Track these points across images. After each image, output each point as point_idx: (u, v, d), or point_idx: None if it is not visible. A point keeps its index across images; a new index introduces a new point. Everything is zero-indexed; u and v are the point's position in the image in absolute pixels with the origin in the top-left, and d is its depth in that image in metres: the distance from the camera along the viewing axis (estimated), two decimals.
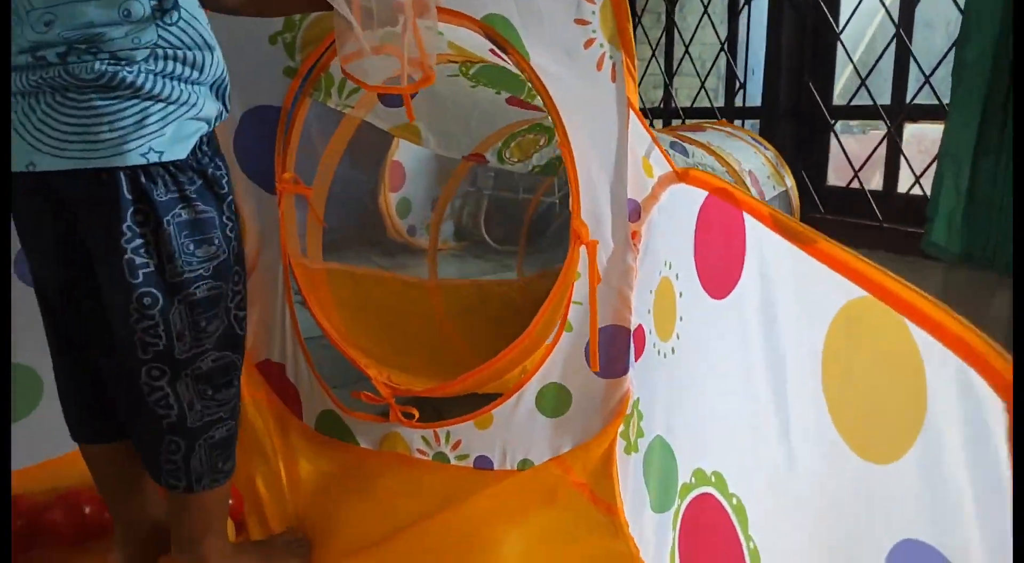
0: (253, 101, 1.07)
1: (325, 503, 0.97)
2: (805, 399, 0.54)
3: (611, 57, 0.79)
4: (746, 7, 2.46)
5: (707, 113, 2.75)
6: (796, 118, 2.19)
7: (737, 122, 2.58)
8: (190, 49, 0.65)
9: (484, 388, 1.06)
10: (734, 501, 0.66)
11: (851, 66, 2.10)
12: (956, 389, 0.41)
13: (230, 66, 0.71)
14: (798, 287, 0.57)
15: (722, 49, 2.61)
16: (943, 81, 1.61)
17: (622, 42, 0.78)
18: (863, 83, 2.01)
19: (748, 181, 1.64)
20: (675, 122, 2.93)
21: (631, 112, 0.80)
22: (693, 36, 2.78)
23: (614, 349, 0.90)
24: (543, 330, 0.94)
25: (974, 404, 0.40)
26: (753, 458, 0.63)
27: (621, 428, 0.90)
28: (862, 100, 2.05)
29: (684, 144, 1.64)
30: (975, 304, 1.63)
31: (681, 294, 0.75)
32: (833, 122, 2.10)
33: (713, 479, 0.70)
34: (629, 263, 0.86)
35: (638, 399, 0.87)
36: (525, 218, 2.09)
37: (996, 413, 0.39)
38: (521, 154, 1.78)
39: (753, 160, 1.77)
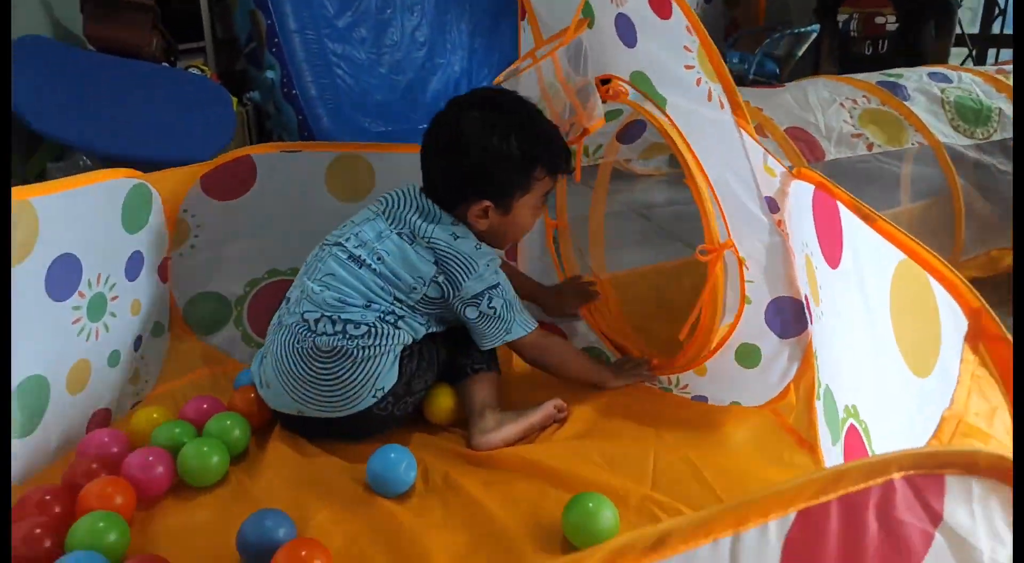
0: None
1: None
2: (886, 336, 0.74)
3: (715, 91, 0.98)
4: None
5: (958, 41, 2.60)
6: None
7: (991, 53, 2.42)
8: None
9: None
10: (863, 426, 0.84)
11: None
12: (951, 315, 0.63)
13: None
14: (871, 253, 0.77)
15: None
16: None
17: (720, 78, 0.96)
18: None
19: None
20: None
21: (743, 130, 0.98)
22: None
23: (788, 315, 1.10)
24: (715, 316, 1.15)
25: (958, 324, 0.61)
26: (871, 387, 0.83)
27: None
28: None
29: (947, 72, 1.69)
30: None
31: (817, 267, 0.94)
32: None
33: (853, 410, 0.88)
34: (783, 245, 1.05)
35: (816, 355, 1.06)
36: None
37: (963, 327, 0.60)
38: None
39: None
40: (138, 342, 1.34)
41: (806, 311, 1.08)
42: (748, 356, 1.17)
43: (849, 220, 0.82)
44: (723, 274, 1.10)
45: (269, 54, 2.57)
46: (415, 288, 1.13)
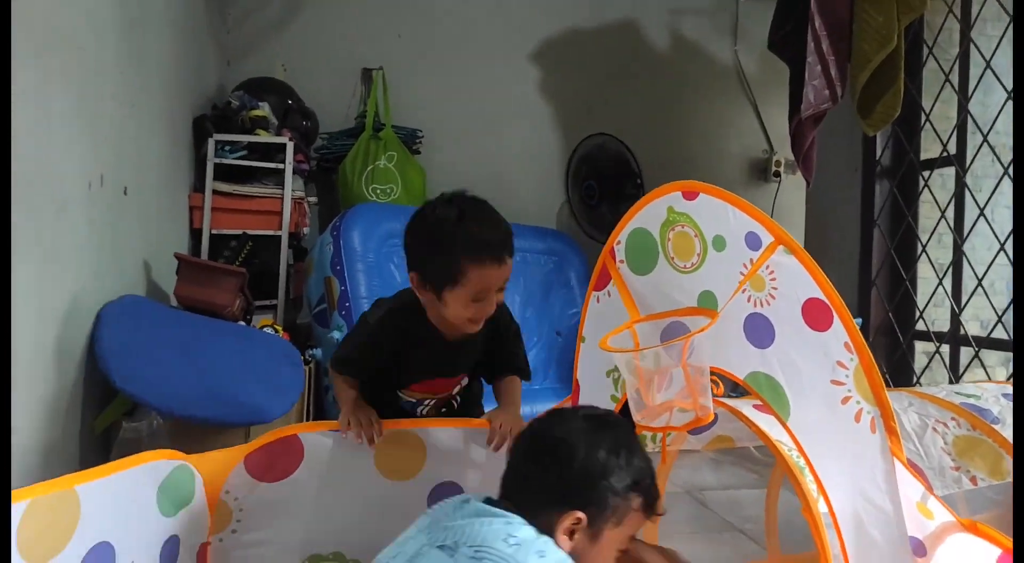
0: None
1: None
2: None
3: (868, 412, 0.93)
4: None
5: (1002, 345, 2.64)
6: None
7: None
8: None
9: None
10: None
11: None
12: None
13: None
14: None
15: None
16: None
17: (878, 401, 0.92)
18: None
19: None
20: (964, 350, 2.83)
21: (896, 461, 0.92)
22: (988, 268, 2.73)
23: None
24: None
25: None
26: None
27: None
28: None
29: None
30: None
31: None
32: None
33: None
34: None
35: None
36: None
37: None
38: None
39: None
40: None
41: None
42: None
43: None
44: None
45: (338, 316, 2.67)
46: None
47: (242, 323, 2.30)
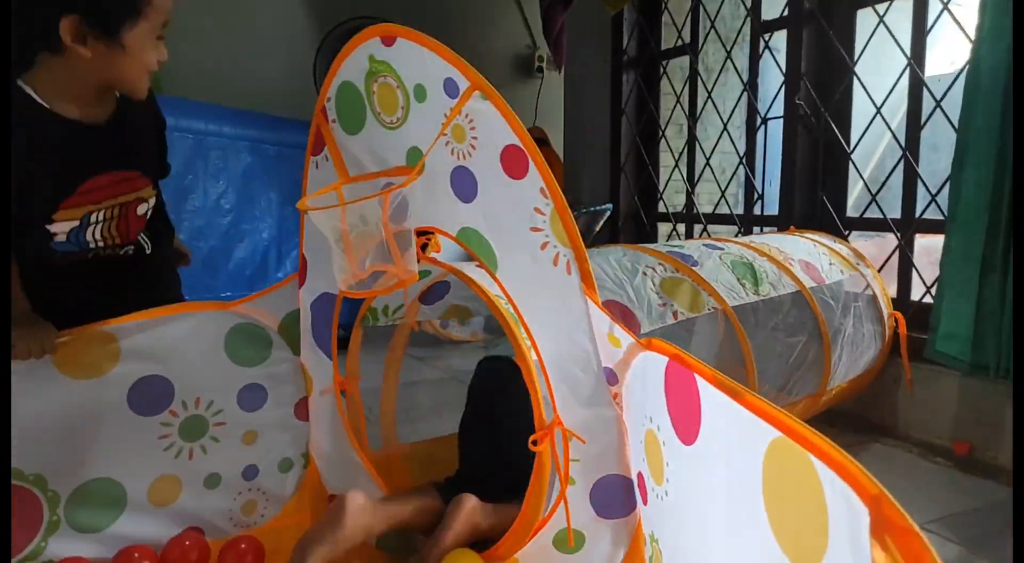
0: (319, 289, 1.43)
1: None
2: (757, 523, 0.65)
3: (564, 255, 0.93)
4: (763, 125, 2.67)
5: (727, 219, 2.89)
6: (811, 227, 2.30)
7: (756, 229, 2.72)
8: None
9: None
10: None
11: (862, 181, 2.29)
12: (843, 502, 0.55)
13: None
14: (738, 431, 0.70)
15: (741, 162, 2.80)
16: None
17: (572, 244, 0.93)
18: (874, 198, 2.21)
19: (798, 268, 1.79)
20: (696, 227, 3.09)
21: (588, 299, 0.94)
22: (714, 148, 2.96)
23: (615, 494, 1.01)
24: (538, 507, 1.05)
25: (853, 513, 0.53)
26: None
27: None
28: (873, 212, 2.24)
29: (718, 243, 1.82)
30: (986, 412, 1.71)
31: (664, 443, 0.86)
32: (847, 232, 2.24)
33: None
34: (616, 421, 0.97)
35: (657, 538, 0.94)
36: None
37: (864, 517, 0.52)
38: None
39: (811, 252, 1.93)
40: None
41: (636, 490, 0.99)
42: (568, 541, 1.04)
43: (709, 395, 0.75)
44: (551, 458, 1.01)
45: None
46: None
47: None
